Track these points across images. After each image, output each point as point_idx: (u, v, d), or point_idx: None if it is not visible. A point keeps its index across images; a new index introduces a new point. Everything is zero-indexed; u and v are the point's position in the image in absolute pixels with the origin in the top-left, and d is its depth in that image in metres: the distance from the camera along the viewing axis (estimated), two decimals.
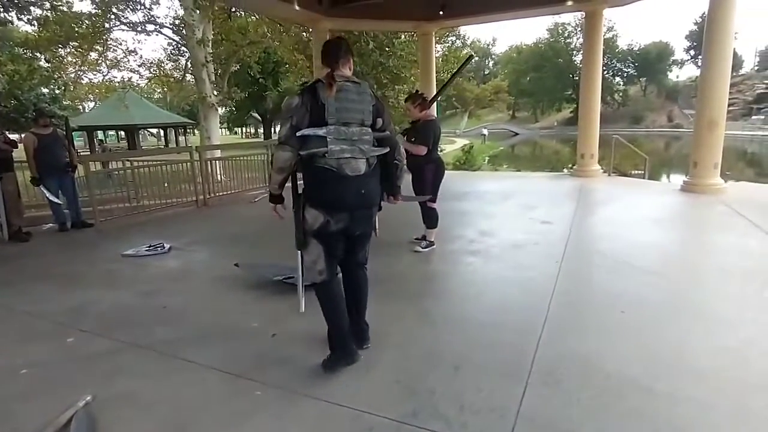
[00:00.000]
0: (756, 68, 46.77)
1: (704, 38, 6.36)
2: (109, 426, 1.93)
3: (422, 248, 4.25)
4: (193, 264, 4.28)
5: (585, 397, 2.01)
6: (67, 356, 2.55)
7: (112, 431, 1.90)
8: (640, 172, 10.12)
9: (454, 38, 23.47)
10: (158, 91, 36.96)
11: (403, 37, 16.11)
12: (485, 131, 42.60)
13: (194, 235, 5.21)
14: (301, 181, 2.25)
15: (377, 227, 2.57)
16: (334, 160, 2.11)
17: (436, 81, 10.83)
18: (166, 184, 7.24)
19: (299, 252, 2.37)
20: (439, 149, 4.38)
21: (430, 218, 4.27)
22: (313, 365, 2.34)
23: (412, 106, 4.12)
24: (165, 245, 4.63)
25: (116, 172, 7.56)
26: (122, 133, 28.06)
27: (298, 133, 2.11)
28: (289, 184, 2.31)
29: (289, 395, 2.10)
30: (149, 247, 4.58)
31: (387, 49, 16.35)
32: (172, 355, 2.50)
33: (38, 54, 16.64)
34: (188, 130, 33.32)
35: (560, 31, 54.33)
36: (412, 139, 4.12)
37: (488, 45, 67.11)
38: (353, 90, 2.16)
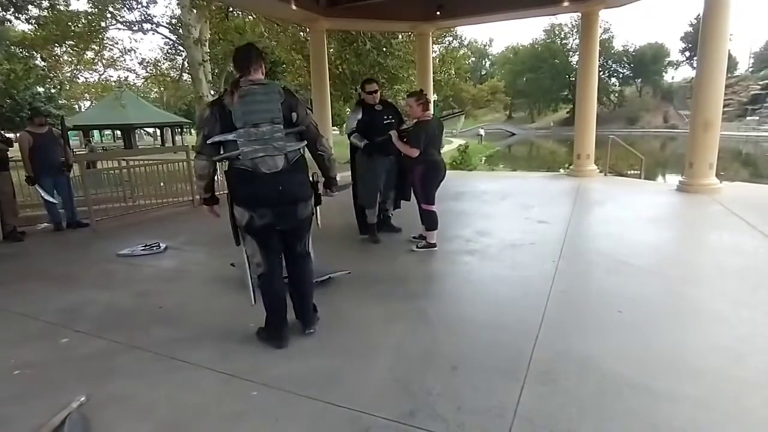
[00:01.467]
0: (751, 69, 47.01)
1: (699, 40, 6.37)
2: (104, 427, 1.91)
3: (418, 248, 4.24)
4: (189, 264, 4.25)
5: (582, 396, 2.01)
6: (61, 357, 2.53)
7: None
8: (636, 172, 10.15)
9: (451, 38, 23.51)
10: (154, 90, 36.89)
11: (400, 37, 16.13)
12: (482, 131, 42.57)
13: (190, 235, 5.18)
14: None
15: (319, 219, 2.67)
16: (249, 161, 2.27)
17: (433, 81, 10.84)
18: (162, 184, 7.21)
19: (243, 248, 2.51)
20: (440, 149, 4.34)
21: (426, 220, 4.21)
22: (310, 366, 2.33)
23: (415, 103, 4.03)
24: (161, 245, 4.60)
25: (105, 173, 7.52)
26: (118, 132, 27.90)
27: (209, 141, 2.29)
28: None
29: (286, 396, 2.09)
30: (145, 246, 4.55)
31: (384, 49, 16.36)
32: (167, 356, 2.48)
33: (34, 53, 16.57)
34: (185, 130, 33.20)
35: (557, 32, 54.50)
36: (404, 140, 4.12)
37: (485, 45, 67.26)
38: (260, 92, 2.28)
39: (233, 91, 2.26)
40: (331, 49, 14.86)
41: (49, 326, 2.92)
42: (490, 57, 69.12)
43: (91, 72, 20.58)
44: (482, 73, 66.84)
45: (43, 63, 17.82)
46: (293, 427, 1.88)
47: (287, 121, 2.33)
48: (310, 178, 2.50)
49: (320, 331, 2.71)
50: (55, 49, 16.28)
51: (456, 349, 2.45)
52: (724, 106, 6.62)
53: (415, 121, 4.09)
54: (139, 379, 2.27)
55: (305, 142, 2.44)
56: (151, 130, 34.15)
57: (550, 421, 1.85)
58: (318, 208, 2.63)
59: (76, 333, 2.80)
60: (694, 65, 7.33)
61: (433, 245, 4.24)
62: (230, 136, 2.26)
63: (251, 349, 2.54)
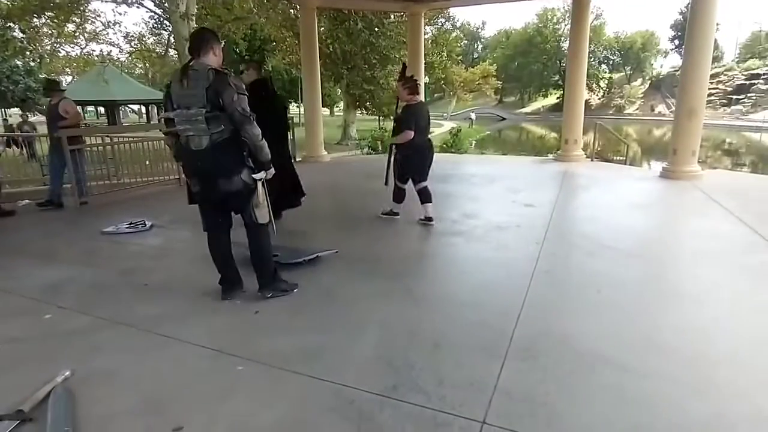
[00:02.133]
0: (736, 60, 47.40)
1: (687, 28, 6.41)
2: (88, 402, 1.92)
3: (382, 214, 4.62)
4: (174, 242, 4.23)
5: (560, 372, 2.07)
6: (44, 332, 2.52)
7: (91, 407, 1.89)
8: (621, 158, 10.27)
9: (443, 20, 23.22)
10: (139, 66, 35.90)
11: (392, 17, 15.89)
12: (473, 115, 42.49)
13: (176, 213, 5.12)
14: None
15: (260, 196, 2.73)
16: (184, 138, 2.58)
17: (425, 63, 10.75)
18: (147, 162, 7.10)
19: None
20: (429, 133, 4.46)
21: (395, 195, 4.56)
22: (296, 342, 2.37)
23: (402, 87, 4.17)
24: (146, 223, 4.56)
25: (88, 149, 7.36)
26: (102, 109, 27.21)
27: (159, 117, 2.63)
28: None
29: (272, 370, 2.12)
30: (130, 224, 4.51)
31: (377, 29, 16.12)
32: (153, 332, 2.49)
33: (12, 24, 15.94)
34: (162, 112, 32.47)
35: (549, 17, 54.14)
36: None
37: (478, 28, 66.57)
38: (192, 77, 2.48)
39: (178, 74, 2.55)
40: (322, 28, 14.59)
41: (31, 302, 2.90)
42: (482, 40, 68.49)
43: (72, 45, 19.91)
44: (474, 56, 66.30)
45: (21, 35, 17.17)
46: (279, 401, 1.92)
47: (214, 105, 2.47)
48: (248, 159, 2.63)
49: (306, 308, 2.74)
50: (35, 20, 15.68)
51: (439, 327, 2.50)
52: (709, 96, 6.70)
53: (404, 104, 4.17)
54: (125, 355, 2.28)
55: (223, 127, 2.53)
56: (135, 107, 33.37)
57: (528, 395, 1.92)
58: (260, 185, 2.71)
59: (59, 309, 2.78)
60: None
61: (397, 213, 4.60)
62: (171, 115, 2.58)
63: (237, 325, 2.57)
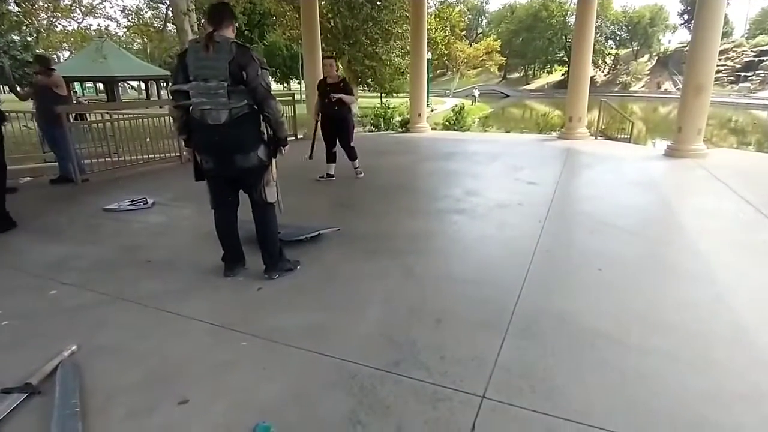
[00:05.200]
0: (746, 36, 46.30)
1: (697, 2, 6.24)
2: (95, 376, 1.95)
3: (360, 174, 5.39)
4: (177, 219, 4.24)
5: (559, 348, 2.09)
6: (50, 309, 2.55)
7: (98, 381, 1.92)
8: (626, 136, 10.15)
9: None
10: (138, 41, 35.36)
11: None
12: (476, 92, 41.89)
13: (179, 191, 5.12)
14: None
15: (274, 173, 2.74)
16: (198, 111, 2.49)
17: (428, 39, 10.52)
18: (147, 139, 7.04)
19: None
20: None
21: (355, 154, 5.36)
22: (299, 318, 2.39)
23: (330, 66, 5.11)
24: (148, 200, 4.56)
25: (87, 126, 7.30)
26: (101, 85, 26.89)
27: (171, 89, 2.59)
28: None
29: (275, 346, 2.15)
30: (131, 201, 4.51)
31: (378, 2, 15.77)
32: (157, 308, 2.51)
33: None
34: (170, 84, 32.10)
35: None
36: (336, 97, 4.98)
37: (482, 2, 64.98)
38: (215, 48, 2.42)
39: (204, 43, 2.42)
40: (323, 2, 14.26)
41: (36, 279, 2.92)
42: (486, 15, 66.97)
43: (68, 20, 19.56)
44: (478, 32, 64.94)
45: (17, 8, 16.86)
46: (282, 375, 1.95)
47: (236, 79, 2.41)
48: (264, 133, 2.61)
49: (309, 285, 2.76)
50: None
51: (441, 304, 2.51)
52: (717, 72, 6.57)
53: (341, 78, 5.18)
54: (129, 330, 2.31)
55: (246, 102, 2.50)
56: (134, 83, 33.00)
57: (528, 370, 1.94)
58: (275, 162, 2.73)
59: (63, 285, 2.81)
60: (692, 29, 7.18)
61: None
62: (185, 87, 2.48)
63: (240, 301, 2.59)
